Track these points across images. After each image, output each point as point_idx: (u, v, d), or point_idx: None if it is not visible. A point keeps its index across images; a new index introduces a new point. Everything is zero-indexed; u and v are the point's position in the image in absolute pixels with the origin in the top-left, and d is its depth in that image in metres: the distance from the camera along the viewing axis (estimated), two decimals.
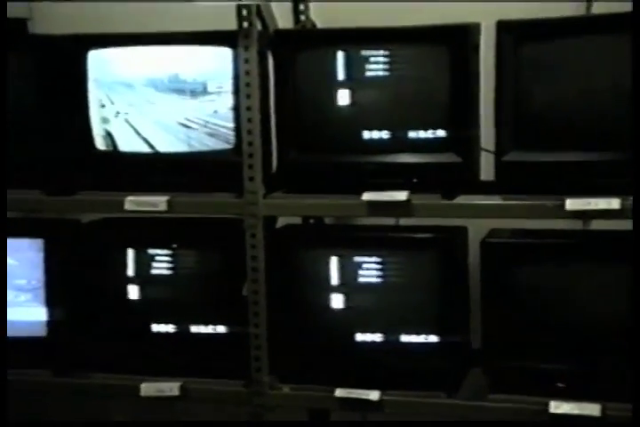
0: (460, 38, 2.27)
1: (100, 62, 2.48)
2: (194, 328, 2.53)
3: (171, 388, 2.51)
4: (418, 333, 2.38)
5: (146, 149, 2.50)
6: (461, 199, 2.35)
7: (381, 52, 2.31)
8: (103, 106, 2.51)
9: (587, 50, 2.19)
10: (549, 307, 2.28)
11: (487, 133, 2.36)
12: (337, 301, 2.42)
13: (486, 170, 2.40)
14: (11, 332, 2.58)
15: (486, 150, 2.40)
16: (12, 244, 2.59)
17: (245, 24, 2.36)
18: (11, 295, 2.61)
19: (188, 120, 2.46)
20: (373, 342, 2.41)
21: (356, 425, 2.93)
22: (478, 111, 2.37)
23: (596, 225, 2.37)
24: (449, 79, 2.27)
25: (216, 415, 2.94)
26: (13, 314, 2.60)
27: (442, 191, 2.34)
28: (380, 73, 2.32)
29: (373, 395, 2.37)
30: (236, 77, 2.39)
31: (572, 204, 2.18)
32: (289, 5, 2.71)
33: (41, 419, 3.13)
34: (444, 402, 2.37)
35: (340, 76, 2.35)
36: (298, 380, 2.48)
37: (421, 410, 2.40)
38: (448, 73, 2.27)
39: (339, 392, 2.39)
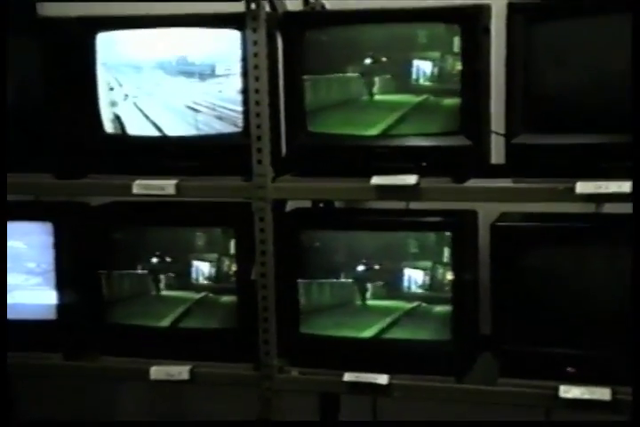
0: (470, 19, 2.23)
1: (108, 45, 2.47)
2: None
3: (180, 372, 2.51)
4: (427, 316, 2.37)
5: (154, 132, 2.49)
6: (471, 183, 2.34)
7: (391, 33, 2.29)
8: (112, 89, 2.50)
9: (599, 31, 2.16)
10: (560, 291, 2.27)
11: (497, 116, 2.34)
12: (346, 284, 2.41)
13: (497, 153, 2.38)
14: (21, 315, 2.59)
15: (497, 133, 2.38)
16: (22, 227, 2.59)
17: (253, 6, 2.34)
18: (20, 279, 2.61)
19: (196, 103, 2.44)
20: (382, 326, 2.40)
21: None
22: (489, 94, 2.35)
23: (610, 208, 2.34)
24: (459, 61, 2.24)
25: (225, 400, 2.96)
26: (23, 297, 2.61)
27: (452, 175, 2.33)
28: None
29: (382, 379, 2.36)
30: (245, 60, 2.37)
31: (582, 187, 2.16)
32: None
33: (51, 402, 3.16)
34: (454, 386, 2.36)
35: (350, 57, 2.32)
36: (307, 364, 2.47)
37: (430, 394, 2.39)
38: (458, 54, 2.24)
39: (347, 376, 2.39)
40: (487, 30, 2.28)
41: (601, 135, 2.17)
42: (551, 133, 2.21)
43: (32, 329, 2.60)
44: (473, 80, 2.27)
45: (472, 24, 2.24)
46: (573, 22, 2.17)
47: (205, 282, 2.51)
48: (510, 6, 2.21)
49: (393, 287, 2.37)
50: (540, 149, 2.23)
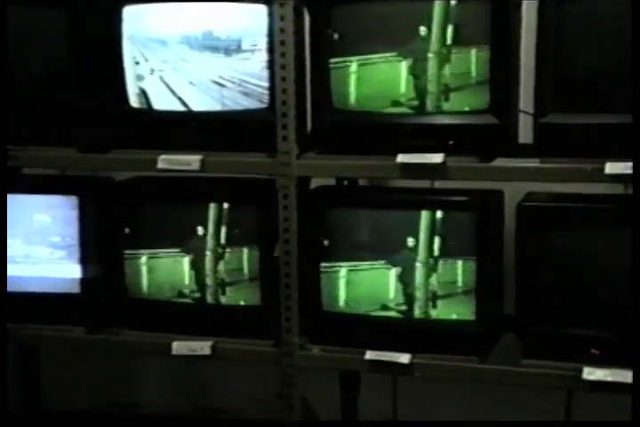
0: None
1: (134, 18, 2.46)
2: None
3: (202, 347, 2.52)
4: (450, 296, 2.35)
5: (180, 107, 2.48)
6: (498, 162, 2.31)
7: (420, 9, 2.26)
8: (137, 63, 2.49)
9: (632, 8, 2.11)
10: (585, 272, 2.25)
11: (526, 95, 2.31)
12: (369, 262, 2.40)
13: (525, 132, 2.35)
14: (45, 288, 2.61)
15: (525, 112, 2.35)
16: (47, 200, 2.60)
17: None
18: (45, 252, 2.63)
19: (222, 78, 2.43)
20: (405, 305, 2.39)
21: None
22: (518, 71, 2.32)
23: None
24: (489, 37, 2.21)
25: (246, 377, 2.97)
26: (48, 271, 2.63)
27: (478, 154, 2.30)
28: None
29: (404, 358, 2.35)
30: (271, 35, 2.36)
31: (611, 167, 2.13)
32: None
33: (71, 376, 3.18)
34: (476, 366, 2.35)
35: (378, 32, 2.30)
36: (328, 341, 2.47)
37: (452, 374, 2.38)
38: (488, 30, 2.21)
39: (369, 355, 2.38)
40: (518, 6, 2.25)
41: (631, 115, 2.13)
42: (581, 113, 2.18)
43: (55, 302, 2.62)
44: (502, 58, 2.24)
45: None
46: None
47: (227, 258, 2.51)
48: None
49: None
50: (568, 129, 2.20)
